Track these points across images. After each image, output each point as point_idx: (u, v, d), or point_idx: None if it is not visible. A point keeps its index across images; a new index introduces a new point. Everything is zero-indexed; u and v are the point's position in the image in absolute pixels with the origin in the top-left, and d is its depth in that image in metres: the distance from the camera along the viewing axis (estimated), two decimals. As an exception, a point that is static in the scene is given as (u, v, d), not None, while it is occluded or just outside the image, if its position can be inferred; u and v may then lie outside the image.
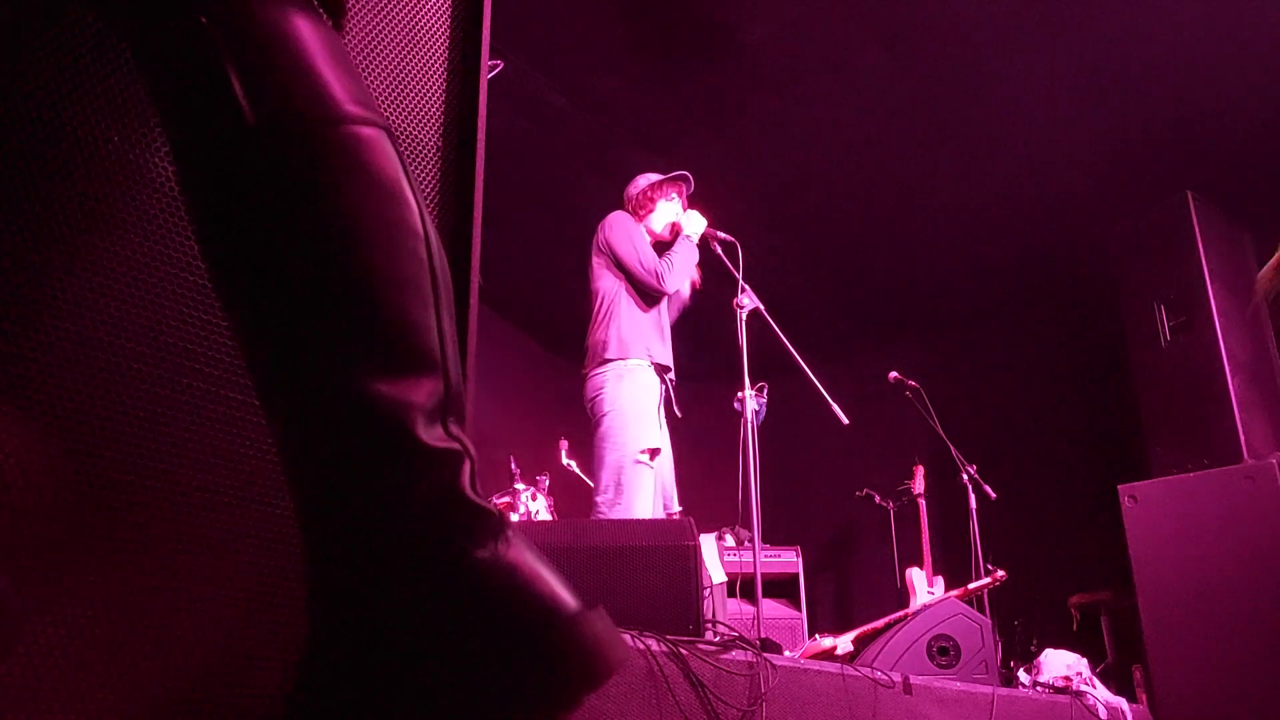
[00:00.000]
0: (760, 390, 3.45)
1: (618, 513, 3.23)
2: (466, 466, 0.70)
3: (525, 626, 0.67)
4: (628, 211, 3.74)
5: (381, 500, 0.67)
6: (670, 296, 3.64)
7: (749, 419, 3.35)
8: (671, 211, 3.73)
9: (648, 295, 3.55)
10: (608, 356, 3.43)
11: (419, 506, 0.67)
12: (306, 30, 0.71)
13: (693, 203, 3.82)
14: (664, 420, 3.51)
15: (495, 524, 0.70)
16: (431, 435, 0.68)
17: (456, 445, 0.70)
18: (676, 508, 3.51)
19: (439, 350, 0.71)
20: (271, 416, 0.71)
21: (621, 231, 3.58)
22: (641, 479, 3.27)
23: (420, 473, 0.67)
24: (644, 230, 3.67)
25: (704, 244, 3.66)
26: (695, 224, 3.66)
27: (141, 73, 0.74)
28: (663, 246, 3.72)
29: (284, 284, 0.67)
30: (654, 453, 3.33)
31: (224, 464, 0.82)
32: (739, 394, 3.45)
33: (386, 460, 0.67)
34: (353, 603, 0.67)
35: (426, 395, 0.69)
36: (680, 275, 3.55)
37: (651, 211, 3.72)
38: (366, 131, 0.71)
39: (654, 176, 3.78)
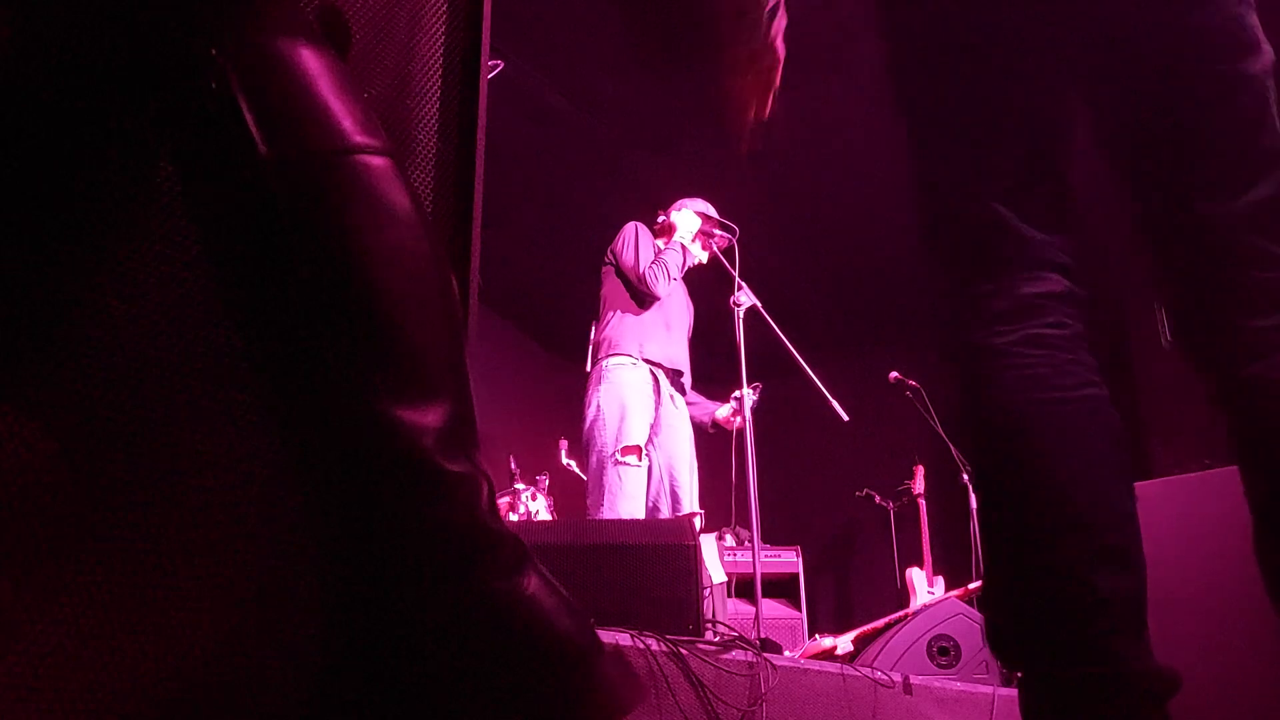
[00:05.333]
0: (755, 388, 3.45)
1: (601, 515, 3.23)
2: (484, 491, 0.70)
3: (542, 664, 0.67)
4: (659, 230, 3.73)
5: (399, 525, 0.67)
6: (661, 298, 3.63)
7: (748, 417, 3.35)
8: (699, 255, 3.70)
9: (640, 296, 3.56)
10: (596, 358, 3.46)
11: (437, 532, 0.67)
12: (314, 61, 0.72)
13: (689, 199, 3.81)
14: (668, 420, 3.50)
15: (515, 553, 0.70)
16: (448, 459, 0.68)
17: (472, 469, 0.70)
18: (688, 509, 3.49)
19: (452, 374, 0.71)
20: (288, 438, 0.71)
21: (626, 239, 3.62)
22: (623, 479, 3.27)
23: (437, 497, 0.67)
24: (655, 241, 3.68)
25: (702, 238, 3.66)
26: (688, 223, 3.65)
27: (152, 103, 0.75)
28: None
29: (297, 310, 0.68)
30: (636, 451, 3.32)
31: (223, 465, 0.82)
32: (735, 392, 3.45)
33: (404, 484, 0.67)
34: (369, 627, 0.67)
35: (442, 419, 0.69)
36: (671, 276, 3.55)
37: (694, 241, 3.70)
38: (376, 161, 0.71)
39: (705, 207, 3.74)
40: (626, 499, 3.25)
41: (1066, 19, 1.11)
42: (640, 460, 3.32)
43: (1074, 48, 1.13)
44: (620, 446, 3.29)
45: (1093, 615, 0.97)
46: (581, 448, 3.46)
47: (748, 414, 3.34)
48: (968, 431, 1.12)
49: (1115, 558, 0.99)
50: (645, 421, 3.40)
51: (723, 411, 3.67)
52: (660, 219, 3.77)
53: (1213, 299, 1.07)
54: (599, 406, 3.37)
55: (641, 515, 3.30)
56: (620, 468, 3.27)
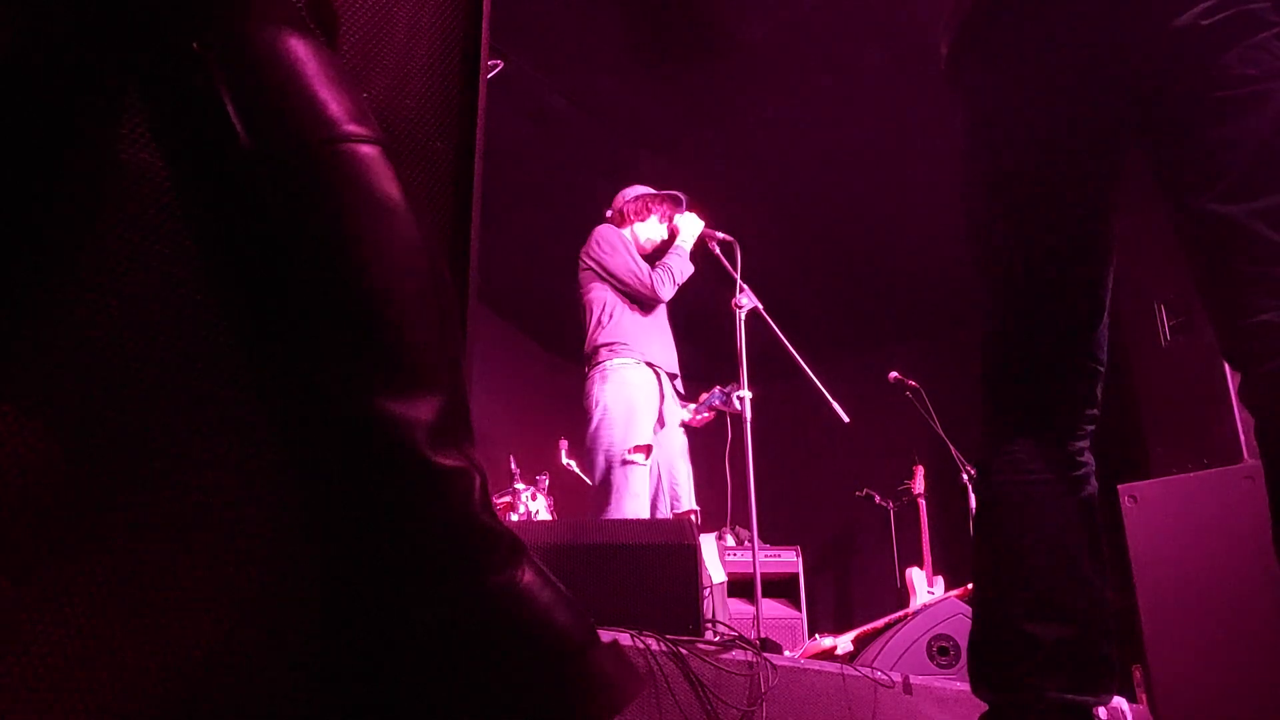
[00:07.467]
0: (731, 388, 3.47)
1: (607, 514, 3.23)
2: (476, 485, 0.70)
3: (539, 657, 0.67)
4: (615, 220, 3.75)
5: (392, 520, 0.67)
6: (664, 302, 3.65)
7: (747, 417, 3.35)
8: (658, 232, 3.73)
9: (641, 301, 3.56)
10: (598, 359, 3.45)
11: (431, 526, 0.67)
12: (301, 50, 0.71)
13: (689, 204, 3.82)
14: (670, 419, 3.50)
15: (510, 548, 0.70)
16: (439, 453, 0.68)
17: (465, 463, 0.69)
18: (687, 507, 3.49)
19: (444, 367, 0.71)
20: (285, 435, 0.71)
21: (609, 245, 3.60)
22: (630, 479, 3.26)
23: (430, 491, 0.67)
24: (631, 238, 3.69)
25: (701, 244, 3.67)
26: (691, 226, 3.66)
27: (139, 97, 0.75)
28: (652, 257, 3.73)
29: (286, 302, 0.67)
30: (645, 450, 3.32)
31: (222, 465, 0.82)
32: (737, 394, 3.46)
33: (395, 478, 0.67)
34: (366, 624, 0.67)
35: (433, 413, 0.68)
36: (676, 282, 3.56)
37: (644, 220, 3.72)
38: (364, 149, 0.71)
39: (646, 190, 3.79)
40: (633, 498, 3.24)
41: (1115, 84, 1.28)
42: (646, 459, 3.32)
43: (1122, 104, 1.30)
44: (629, 446, 3.28)
45: (1021, 655, 1.21)
46: (584, 448, 3.45)
47: (747, 414, 3.35)
48: (976, 493, 1.33)
49: (1054, 612, 1.22)
50: (651, 420, 3.40)
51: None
52: (609, 213, 3.78)
53: (1230, 296, 1.14)
54: (606, 406, 3.36)
55: (646, 514, 3.30)
56: (628, 467, 3.26)
